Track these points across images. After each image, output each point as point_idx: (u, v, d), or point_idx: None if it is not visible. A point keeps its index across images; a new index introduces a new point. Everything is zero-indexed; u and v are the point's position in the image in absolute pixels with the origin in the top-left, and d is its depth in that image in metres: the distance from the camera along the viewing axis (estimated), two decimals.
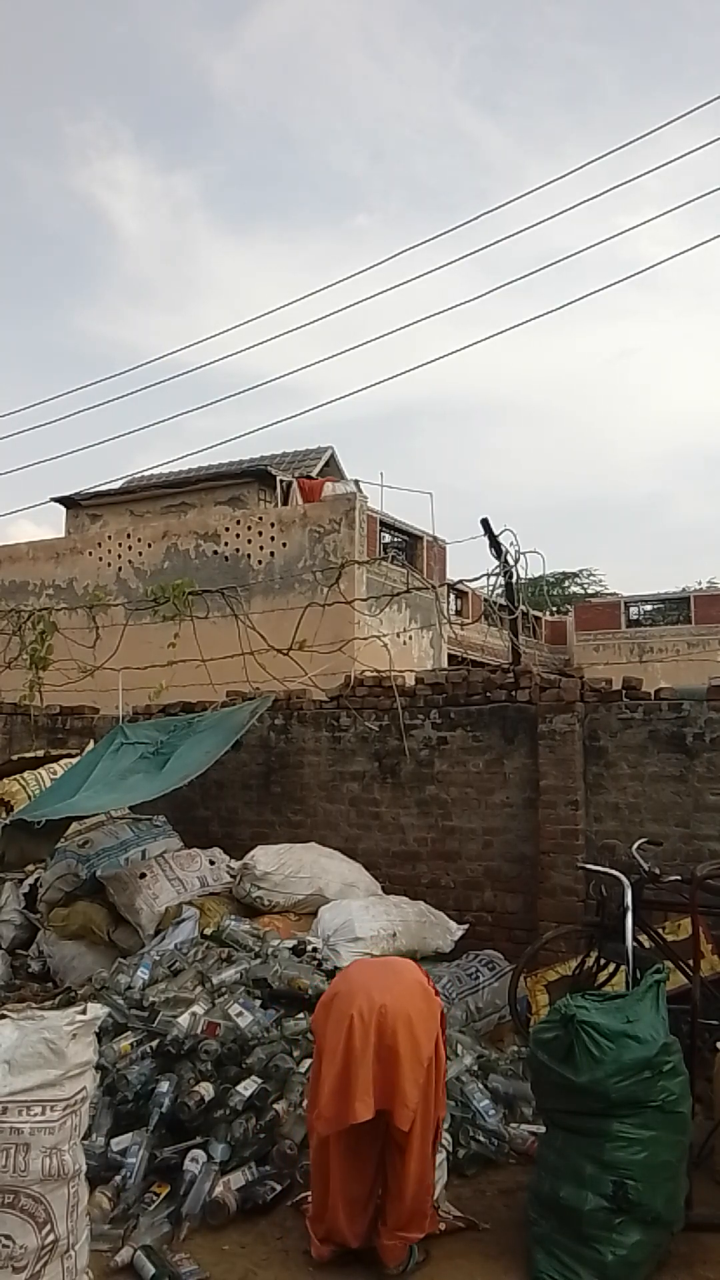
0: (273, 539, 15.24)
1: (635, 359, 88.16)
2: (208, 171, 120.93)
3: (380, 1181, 3.17)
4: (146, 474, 18.96)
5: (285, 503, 16.49)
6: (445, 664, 16.13)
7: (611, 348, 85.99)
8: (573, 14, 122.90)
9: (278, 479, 17.07)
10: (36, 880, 6.52)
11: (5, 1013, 3.79)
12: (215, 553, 15.61)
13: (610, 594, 33.37)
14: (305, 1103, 3.31)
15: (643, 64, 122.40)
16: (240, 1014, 4.05)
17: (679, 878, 4.65)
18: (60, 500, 18.78)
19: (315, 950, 4.92)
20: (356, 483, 15.58)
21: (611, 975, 4.73)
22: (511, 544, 7.35)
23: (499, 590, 7.81)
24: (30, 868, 6.72)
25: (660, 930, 4.86)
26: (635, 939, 4.41)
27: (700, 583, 32.21)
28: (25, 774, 7.50)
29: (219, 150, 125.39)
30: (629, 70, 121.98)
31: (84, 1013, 2.74)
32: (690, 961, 4.28)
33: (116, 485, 18.69)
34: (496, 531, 7.42)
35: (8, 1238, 2.49)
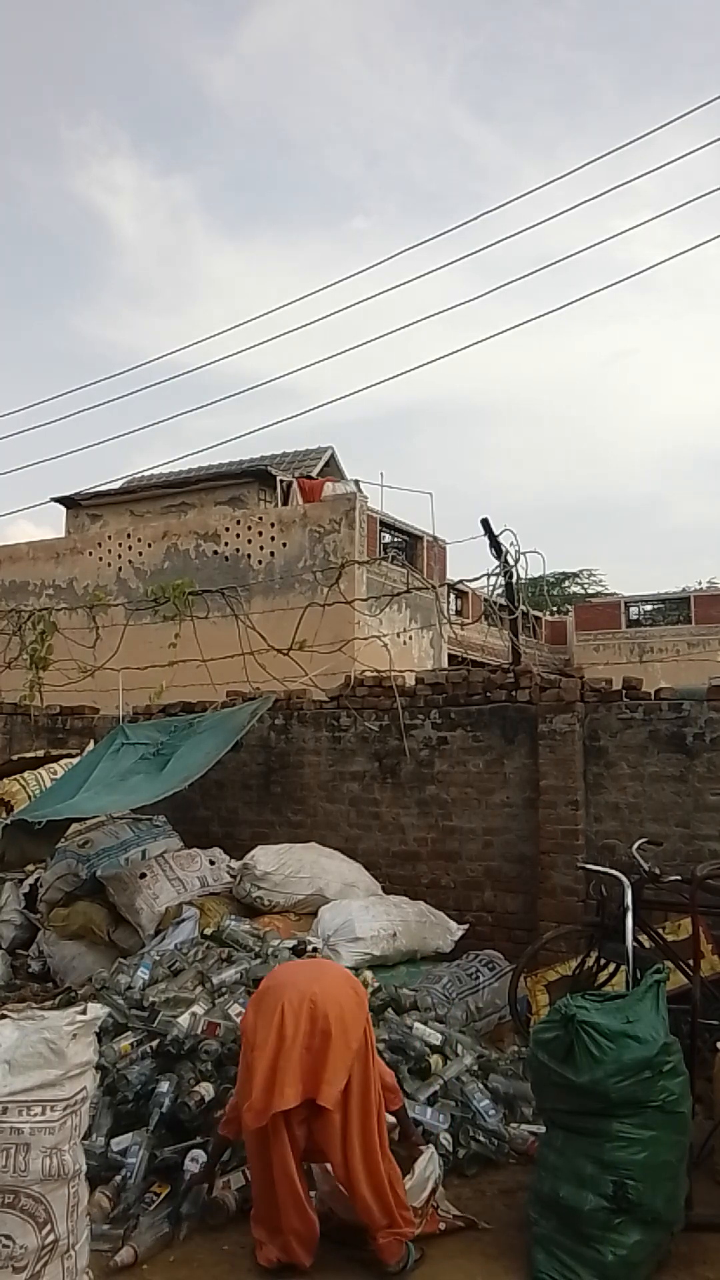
0: (273, 539, 15.24)
1: (632, 360, 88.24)
2: (205, 175, 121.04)
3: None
4: (146, 474, 18.98)
5: (285, 503, 16.49)
6: (445, 664, 16.13)
7: (608, 349, 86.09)
8: (566, 19, 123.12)
9: (278, 479, 17.07)
10: (36, 880, 6.52)
11: (5, 1013, 3.79)
12: (215, 553, 15.61)
13: (610, 594, 33.37)
14: (232, 1103, 3.29)
15: (636, 69, 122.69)
16: (240, 1014, 4.05)
17: (679, 878, 4.65)
18: (60, 500, 18.78)
19: (315, 950, 4.92)
20: (356, 483, 15.58)
21: (611, 975, 4.73)
22: (511, 544, 7.37)
23: (499, 590, 7.82)
24: (30, 868, 6.72)
25: (660, 930, 4.86)
26: (635, 939, 4.40)
27: (700, 583, 32.23)
28: (25, 774, 7.50)
29: (216, 154, 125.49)
30: (623, 75, 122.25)
31: (84, 1013, 2.74)
32: (690, 961, 4.28)
33: (116, 485, 18.72)
34: (496, 531, 7.43)
35: (8, 1238, 2.49)
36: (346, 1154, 3.08)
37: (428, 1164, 3.44)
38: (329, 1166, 3.25)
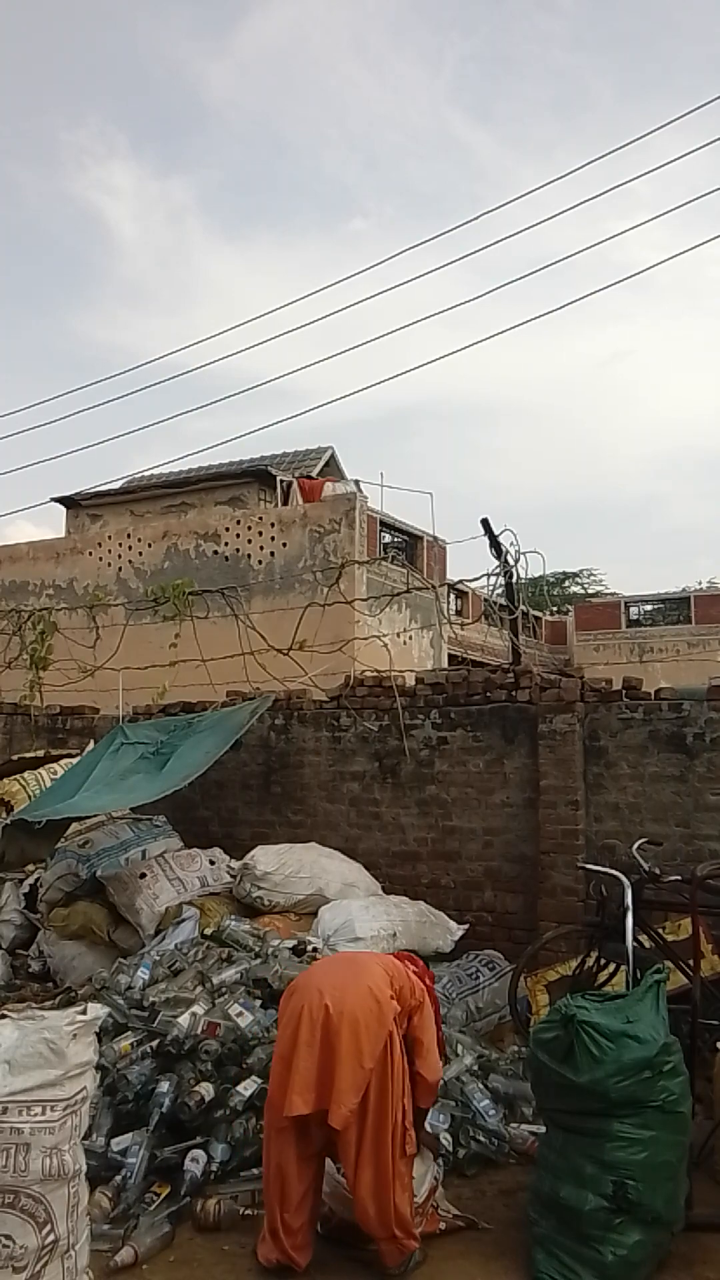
0: (273, 539, 15.23)
1: (629, 361, 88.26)
2: (203, 177, 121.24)
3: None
4: (146, 474, 18.96)
5: (285, 503, 16.48)
6: (445, 664, 16.12)
7: (606, 350, 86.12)
8: (562, 22, 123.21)
9: (278, 479, 17.06)
10: (36, 880, 6.52)
11: (5, 1013, 3.79)
12: (215, 553, 15.60)
13: (610, 594, 33.37)
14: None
15: (633, 72, 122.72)
16: (240, 1014, 4.05)
17: (679, 878, 4.65)
18: (60, 500, 18.77)
19: (315, 950, 4.91)
20: (356, 483, 15.57)
21: (611, 975, 4.73)
22: (511, 544, 7.37)
23: (499, 590, 7.82)
24: (30, 868, 6.71)
25: (660, 930, 4.86)
26: (635, 939, 4.40)
27: (700, 583, 32.28)
28: (25, 774, 7.49)
29: (214, 156, 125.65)
30: (619, 78, 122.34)
31: (84, 1013, 2.74)
32: (690, 961, 4.28)
33: (116, 485, 18.69)
34: (496, 531, 7.43)
35: (8, 1238, 2.48)
36: (357, 1167, 3.05)
37: (427, 1168, 3.43)
38: (338, 1167, 3.26)
